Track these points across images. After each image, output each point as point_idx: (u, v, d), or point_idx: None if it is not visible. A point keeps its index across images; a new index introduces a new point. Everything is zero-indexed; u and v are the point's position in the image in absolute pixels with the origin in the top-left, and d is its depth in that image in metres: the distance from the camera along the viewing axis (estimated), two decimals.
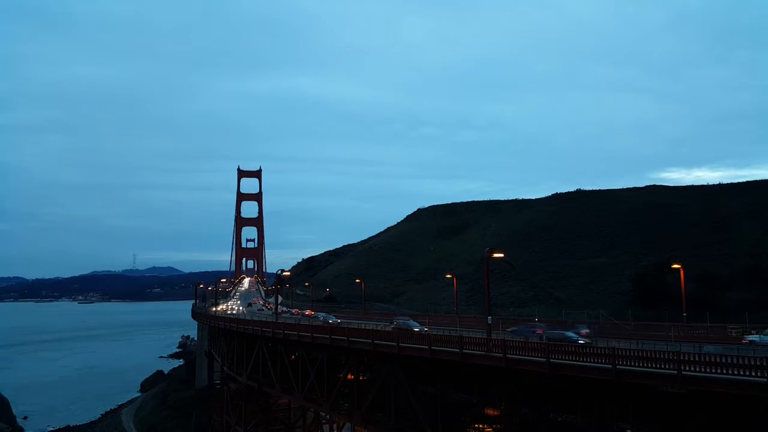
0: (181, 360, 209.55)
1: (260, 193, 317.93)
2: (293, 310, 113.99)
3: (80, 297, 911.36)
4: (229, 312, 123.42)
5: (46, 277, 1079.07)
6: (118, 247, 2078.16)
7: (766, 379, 23.02)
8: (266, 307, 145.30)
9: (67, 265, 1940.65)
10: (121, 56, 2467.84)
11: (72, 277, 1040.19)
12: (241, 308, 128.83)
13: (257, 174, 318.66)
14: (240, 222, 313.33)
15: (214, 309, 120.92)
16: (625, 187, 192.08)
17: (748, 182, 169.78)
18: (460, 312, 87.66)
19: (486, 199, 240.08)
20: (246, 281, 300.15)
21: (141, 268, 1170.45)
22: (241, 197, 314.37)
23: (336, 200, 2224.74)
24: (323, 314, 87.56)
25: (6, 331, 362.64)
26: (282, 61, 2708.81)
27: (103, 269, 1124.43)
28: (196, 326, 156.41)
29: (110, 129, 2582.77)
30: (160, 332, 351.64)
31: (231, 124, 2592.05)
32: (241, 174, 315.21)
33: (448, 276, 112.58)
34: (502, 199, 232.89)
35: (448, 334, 43.08)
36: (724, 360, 24.79)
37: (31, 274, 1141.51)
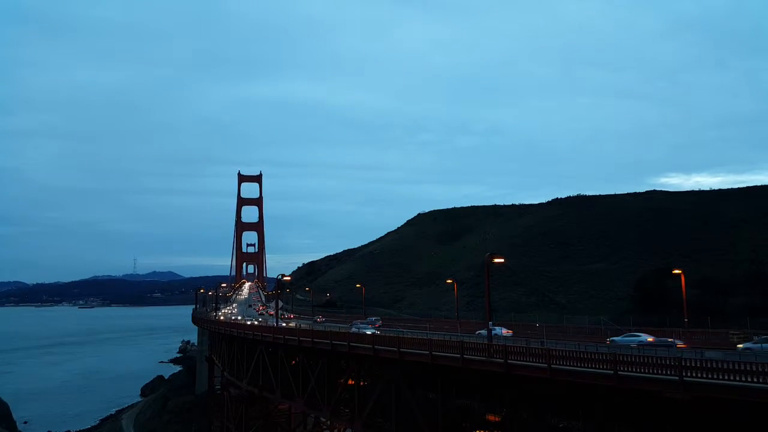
0: (181, 365, 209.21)
1: (260, 197, 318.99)
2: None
3: (80, 302, 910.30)
4: (227, 318, 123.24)
5: (47, 281, 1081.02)
6: (118, 251, 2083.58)
7: (767, 386, 23.02)
8: (261, 308, 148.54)
9: (67, 269, 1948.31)
10: (120, 61, 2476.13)
11: (72, 282, 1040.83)
12: (241, 317, 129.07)
13: (257, 179, 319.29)
14: (240, 227, 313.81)
15: (214, 315, 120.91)
16: (624, 192, 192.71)
17: (747, 187, 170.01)
18: (461, 317, 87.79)
19: (486, 204, 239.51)
20: (246, 286, 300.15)
21: (141, 272, 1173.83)
22: (242, 202, 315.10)
23: (336, 205, 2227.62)
24: None
25: (6, 336, 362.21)
26: (282, 66, 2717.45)
27: (103, 274, 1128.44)
28: (197, 331, 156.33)
29: (110, 134, 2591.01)
30: (161, 337, 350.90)
31: (231, 129, 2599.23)
32: (242, 179, 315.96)
33: (449, 281, 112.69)
34: (503, 204, 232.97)
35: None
36: (725, 366, 24.74)
37: (31, 278, 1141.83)
